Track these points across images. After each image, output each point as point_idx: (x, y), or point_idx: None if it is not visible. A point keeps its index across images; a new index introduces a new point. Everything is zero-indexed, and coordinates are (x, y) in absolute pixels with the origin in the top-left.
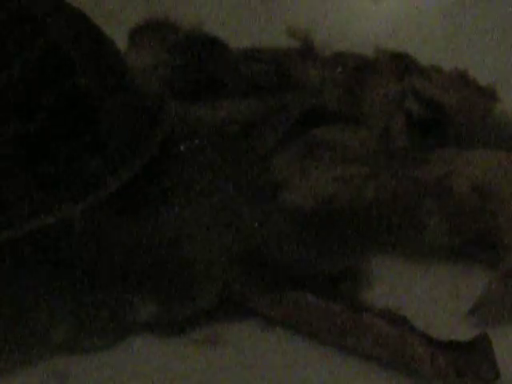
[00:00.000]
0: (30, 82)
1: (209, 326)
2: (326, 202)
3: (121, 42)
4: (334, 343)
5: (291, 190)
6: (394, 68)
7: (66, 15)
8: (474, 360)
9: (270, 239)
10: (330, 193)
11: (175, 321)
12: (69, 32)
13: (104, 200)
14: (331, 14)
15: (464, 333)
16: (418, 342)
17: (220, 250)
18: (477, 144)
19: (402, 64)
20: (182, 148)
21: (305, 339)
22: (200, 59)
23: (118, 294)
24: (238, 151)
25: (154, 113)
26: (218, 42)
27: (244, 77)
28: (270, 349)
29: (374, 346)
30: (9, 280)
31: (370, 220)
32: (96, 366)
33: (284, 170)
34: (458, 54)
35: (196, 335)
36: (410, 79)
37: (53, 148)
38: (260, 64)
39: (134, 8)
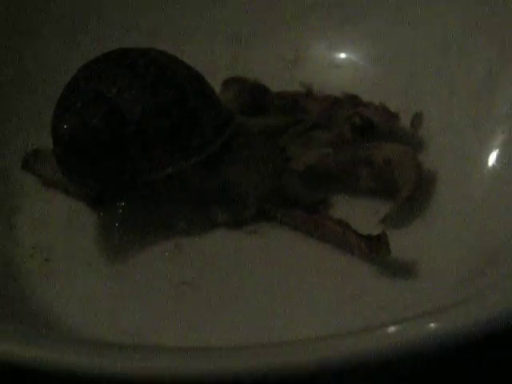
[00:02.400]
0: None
1: (252, 225)
2: (314, 165)
3: None
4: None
5: (298, 159)
6: (350, 102)
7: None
8: (379, 245)
9: (286, 182)
10: (315, 161)
11: (238, 221)
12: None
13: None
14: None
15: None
16: (352, 235)
17: (258, 185)
18: (389, 140)
19: (353, 100)
20: (241, 139)
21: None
22: (254, 96)
23: (207, 207)
24: (271, 142)
25: (230, 117)
26: (265, 87)
27: (276, 105)
28: (286, 239)
29: (330, 238)
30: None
31: (334, 174)
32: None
33: (293, 149)
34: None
35: (246, 229)
36: (357, 107)
37: (182, 132)
38: (285, 99)
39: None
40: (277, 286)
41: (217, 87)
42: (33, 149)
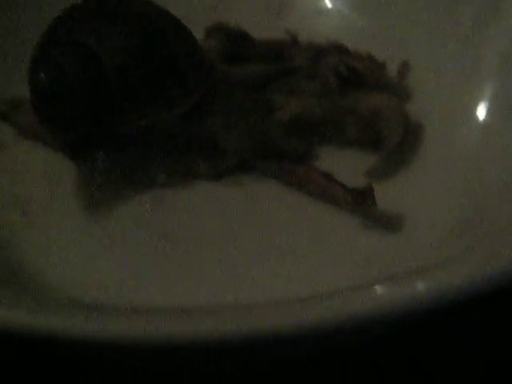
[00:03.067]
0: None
1: (234, 176)
2: (298, 115)
3: None
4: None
5: (283, 109)
6: (336, 51)
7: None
8: (365, 197)
9: (269, 132)
10: (299, 110)
11: (220, 172)
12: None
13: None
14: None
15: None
16: (338, 188)
17: (239, 137)
18: (375, 90)
19: (339, 48)
20: (223, 87)
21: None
22: (237, 43)
23: (187, 158)
24: (253, 92)
25: (211, 65)
26: (248, 35)
27: (259, 53)
28: (270, 191)
29: (315, 191)
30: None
31: (320, 124)
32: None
33: (277, 98)
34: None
35: (228, 180)
36: (343, 56)
37: (163, 80)
38: (270, 47)
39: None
40: (259, 240)
41: (198, 36)
42: (10, 99)
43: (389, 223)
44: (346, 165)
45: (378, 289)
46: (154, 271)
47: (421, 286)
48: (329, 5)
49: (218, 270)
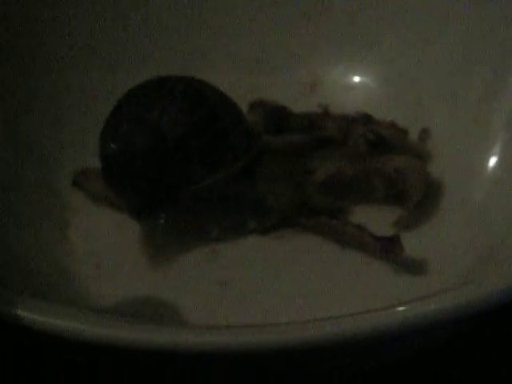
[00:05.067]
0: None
1: (278, 231)
2: (332, 176)
3: None
4: (335, 241)
5: (319, 172)
6: (364, 120)
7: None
8: (393, 245)
9: (308, 192)
10: (333, 172)
11: (266, 227)
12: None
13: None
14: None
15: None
16: (369, 237)
17: (283, 197)
18: (399, 153)
19: (367, 118)
20: (267, 156)
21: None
22: (278, 117)
23: (239, 216)
24: (293, 158)
25: (257, 135)
26: (287, 109)
27: (296, 125)
28: (310, 244)
29: (350, 241)
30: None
31: (352, 184)
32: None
33: (314, 163)
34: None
35: (274, 235)
36: (370, 125)
37: (216, 149)
38: (305, 119)
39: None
40: (300, 285)
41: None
42: (81, 168)
43: (415, 267)
44: (375, 218)
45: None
46: (211, 312)
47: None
48: (356, 79)
49: (264, 310)
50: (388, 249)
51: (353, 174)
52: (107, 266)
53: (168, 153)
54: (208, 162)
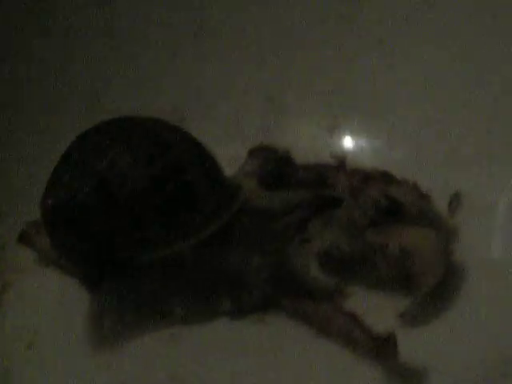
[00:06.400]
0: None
1: (260, 314)
2: (327, 251)
3: None
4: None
5: (312, 241)
6: (381, 178)
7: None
8: (386, 347)
9: (296, 267)
10: (329, 246)
11: (242, 309)
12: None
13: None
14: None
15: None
16: (360, 332)
17: (260, 271)
18: (414, 223)
19: (385, 177)
20: (245, 219)
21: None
22: (279, 166)
23: (207, 292)
24: (278, 223)
25: (234, 195)
26: (291, 160)
27: (301, 178)
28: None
29: (337, 335)
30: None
31: (349, 260)
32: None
33: (312, 227)
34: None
35: (251, 317)
36: (386, 185)
37: (177, 210)
38: (310, 172)
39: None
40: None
41: (244, 152)
42: (34, 221)
43: (409, 374)
44: (378, 302)
45: None
46: None
47: None
48: (382, 126)
49: None
50: (379, 350)
51: (351, 250)
52: (41, 347)
53: (115, 211)
54: (166, 226)
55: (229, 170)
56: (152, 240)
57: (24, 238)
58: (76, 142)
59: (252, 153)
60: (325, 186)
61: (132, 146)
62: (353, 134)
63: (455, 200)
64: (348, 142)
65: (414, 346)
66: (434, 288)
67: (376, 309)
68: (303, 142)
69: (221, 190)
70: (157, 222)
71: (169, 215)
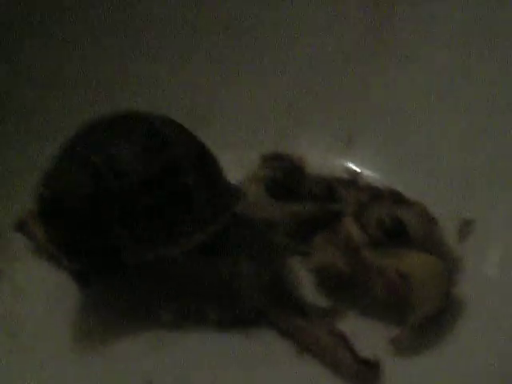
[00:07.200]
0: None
1: (248, 327)
2: (324, 268)
3: None
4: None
5: (312, 256)
6: (390, 197)
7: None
8: (369, 371)
9: (289, 282)
10: (326, 264)
11: (230, 321)
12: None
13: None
14: None
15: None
16: (346, 354)
17: (252, 283)
18: (417, 249)
19: (395, 196)
20: (241, 228)
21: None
22: (289, 175)
23: (197, 299)
24: (274, 234)
25: (232, 202)
26: (301, 171)
27: (309, 190)
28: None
29: (322, 355)
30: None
31: (346, 281)
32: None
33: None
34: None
35: (239, 330)
36: (394, 205)
37: (172, 212)
38: (320, 184)
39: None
40: None
41: (257, 158)
42: (30, 210)
43: None
44: (367, 327)
45: None
46: None
47: None
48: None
49: None
50: (360, 375)
51: (349, 270)
52: (24, 338)
53: (109, 208)
54: (159, 228)
55: (239, 174)
56: (142, 241)
57: (22, 227)
58: (77, 134)
59: (265, 159)
60: (332, 200)
61: (132, 142)
62: (368, 149)
63: (466, 227)
64: (362, 157)
65: (402, 375)
66: (431, 318)
67: (368, 332)
68: (318, 153)
69: (218, 195)
70: (148, 222)
71: (161, 217)
